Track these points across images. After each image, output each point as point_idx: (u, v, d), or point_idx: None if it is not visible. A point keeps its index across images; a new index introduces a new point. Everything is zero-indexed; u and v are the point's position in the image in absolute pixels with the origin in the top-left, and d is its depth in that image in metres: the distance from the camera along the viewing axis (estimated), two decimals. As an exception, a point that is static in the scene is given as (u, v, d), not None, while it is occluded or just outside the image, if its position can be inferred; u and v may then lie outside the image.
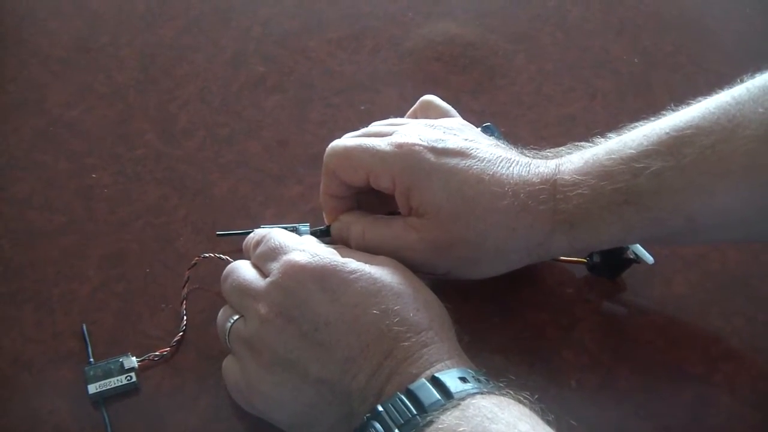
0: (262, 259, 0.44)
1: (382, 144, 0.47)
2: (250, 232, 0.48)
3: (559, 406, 0.38)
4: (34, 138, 0.59)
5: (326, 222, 0.50)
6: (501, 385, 0.39)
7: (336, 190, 0.49)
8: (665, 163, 0.43)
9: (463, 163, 0.46)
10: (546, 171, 0.46)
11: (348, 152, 0.47)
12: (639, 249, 0.50)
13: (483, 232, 0.45)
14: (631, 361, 0.49)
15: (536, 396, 0.38)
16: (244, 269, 0.45)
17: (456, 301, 0.44)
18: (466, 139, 0.47)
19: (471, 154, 0.46)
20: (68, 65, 0.65)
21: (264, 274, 0.44)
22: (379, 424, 0.37)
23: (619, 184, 0.44)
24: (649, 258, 0.50)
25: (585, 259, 0.52)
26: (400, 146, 0.46)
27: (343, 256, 0.43)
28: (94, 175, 0.57)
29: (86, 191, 0.56)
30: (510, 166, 0.46)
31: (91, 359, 0.47)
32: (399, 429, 0.37)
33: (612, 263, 0.51)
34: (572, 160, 0.46)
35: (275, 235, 0.45)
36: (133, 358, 0.47)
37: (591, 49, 0.68)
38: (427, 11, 0.70)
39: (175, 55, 0.66)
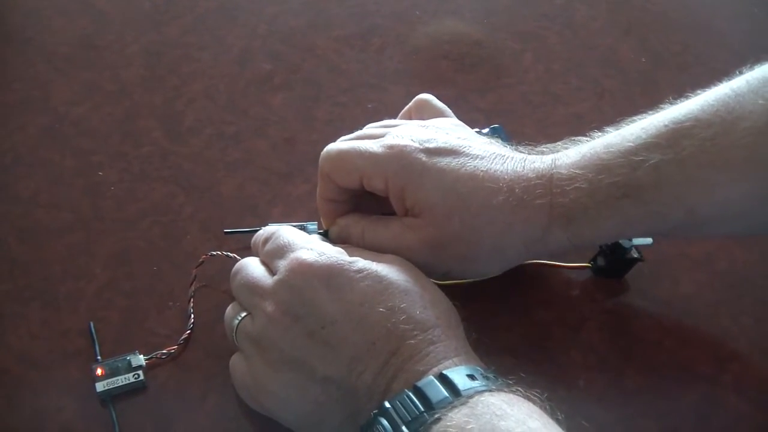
0: (270, 257, 0.44)
1: (374, 146, 0.46)
2: (258, 230, 0.48)
3: (567, 405, 0.38)
4: (39, 136, 0.59)
5: (324, 226, 0.50)
6: (510, 382, 0.39)
7: (332, 194, 0.49)
8: (664, 156, 0.43)
9: (455, 161, 0.45)
10: (542, 166, 0.46)
11: (341, 155, 0.47)
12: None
13: (479, 229, 0.45)
14: (639, 361, 0.49)
15: (545, 395, 0.38)
16: (252, 267, 0.45)
17: (463, 300, 0.44)
18: (458, 138, 0.47)
19: (463, 151, 0.46)
20: (74, 63, 0.65)
21: (272, 271, 0.44)
22: (386, 420, 0.37)
23: (617, 177, 0.43)
24: (647, 240, 0.50)
25: (589, 263, 0.52)
26: (391, 147, 0.46)
27: (350, 255, 0.43)
28: (100, 173, 0.57)
29: (93, 189, 0.56)
30: (504, 162, 0.46)
31: (99, 357, 0.47)
32: (406, 425, 0.37)
33: (616, 265, 0.51)
34: (569, 155, 0.46)
35: (283, 232, 0.45)
36: (141, 356, 0.47)
37: (598, 48, 0.68)
38: (434, 9, 0.70)
39: (181, 52, 0.66)
